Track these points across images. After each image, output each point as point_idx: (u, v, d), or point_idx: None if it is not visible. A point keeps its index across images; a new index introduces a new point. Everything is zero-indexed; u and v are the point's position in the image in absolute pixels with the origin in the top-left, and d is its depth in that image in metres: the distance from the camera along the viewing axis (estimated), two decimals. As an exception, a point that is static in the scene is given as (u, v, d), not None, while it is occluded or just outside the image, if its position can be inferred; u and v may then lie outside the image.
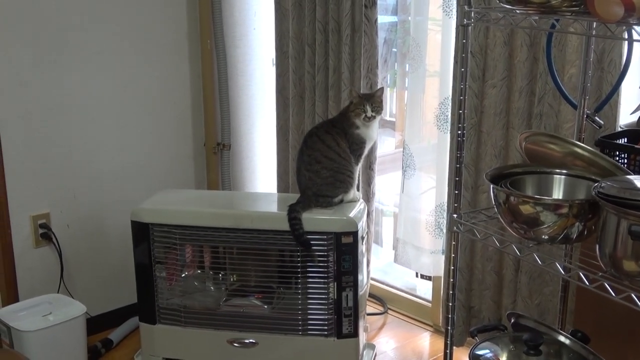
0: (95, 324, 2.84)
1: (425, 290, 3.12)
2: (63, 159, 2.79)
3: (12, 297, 2.71)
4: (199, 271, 2.67)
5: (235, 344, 2.53)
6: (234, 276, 2.64)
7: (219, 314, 2.57)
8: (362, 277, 2.51)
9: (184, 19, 3.05)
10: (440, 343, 2.84)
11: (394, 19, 3.14)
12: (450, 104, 2.58)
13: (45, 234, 2.77)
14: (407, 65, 2.83)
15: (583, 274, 1.58)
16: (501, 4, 1.68)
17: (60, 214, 2.81)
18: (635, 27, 1.51)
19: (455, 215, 1.93)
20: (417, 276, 3.21)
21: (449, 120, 2.61)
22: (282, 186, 3.14)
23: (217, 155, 3.21)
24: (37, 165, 2.73)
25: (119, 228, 2.86)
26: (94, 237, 2.92)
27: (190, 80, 3.11)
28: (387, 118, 3.58)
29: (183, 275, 2.62)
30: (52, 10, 2.67)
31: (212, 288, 2.65)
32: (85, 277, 2.92)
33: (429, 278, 3.02)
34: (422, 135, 2.85)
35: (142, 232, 2.52)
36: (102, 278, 2.96)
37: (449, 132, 2.63)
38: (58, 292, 2.78)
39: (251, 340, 2.53)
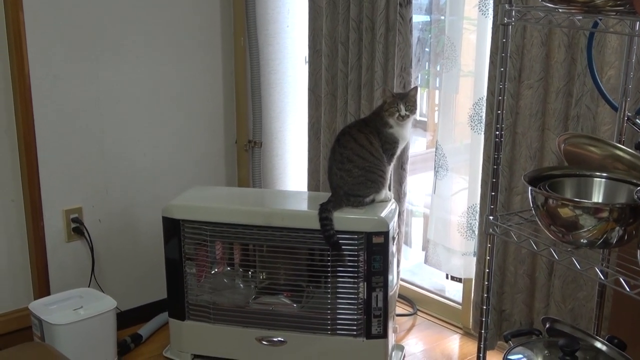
0: (125, 319, 2.85)
1: (454, 292, 3.09)
2: (96, 154, 2.80)
3: (44, 290, 2.73)
4: (228, 268, 2.67)
5: (264, 342, 2.53)
6: (264, 274, 2.64)
7: (248, 312, 2.57)
8: (392, 278, 2.50)
9: (218, 16, 3.05)
10: (469, 346, 2.82)
11: (426, 18, 3.11)
12: (484, 105, 2.55)
13: (77, 229, 2.79)
14: (439, 65, 2.80)
15: (623, 280, 1.55)
16: (543, 2, 1.65)
17: (93, 209, 2.83)
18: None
19: (491, 218, 1.90)
20: (446, 278, 3.18)
21: (483, 121, 2.58)
22: (313, 184, 3.13)
23: (248, 152, 3.21)
24: (70, 160, 2.74)
25: (150, 224, 2.87)
26: (126, 232, 2.93)
27: (223, 78, 3.11)
28: (419, 118, 3.55)
29: (213, 272, 2.63)
30: (86, 7, 2.69)
31: (241, 285, 2.65)
32: (116, 272, 2.93)
33: (458, 280, 2.99)
34: (455, 136, 2.82)
35: (172, 228, 2.53)
36: (133, 273, 2.97)
37: (482, 132, 2.60)
38: (89, 287, 2.80)
39: (280, 339, 2.52)
